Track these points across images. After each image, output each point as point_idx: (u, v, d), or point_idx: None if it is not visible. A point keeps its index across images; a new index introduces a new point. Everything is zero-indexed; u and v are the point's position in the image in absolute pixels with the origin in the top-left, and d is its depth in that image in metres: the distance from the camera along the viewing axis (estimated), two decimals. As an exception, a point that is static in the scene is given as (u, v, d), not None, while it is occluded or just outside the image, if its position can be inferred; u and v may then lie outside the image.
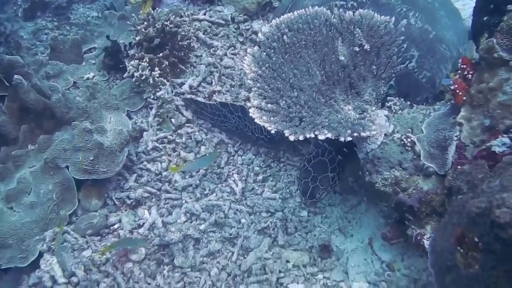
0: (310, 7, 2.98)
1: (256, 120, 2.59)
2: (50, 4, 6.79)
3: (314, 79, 2.91)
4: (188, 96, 4.32)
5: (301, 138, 2.52)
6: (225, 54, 4.68)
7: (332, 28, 3.02)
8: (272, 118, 2.60)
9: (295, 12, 3.00)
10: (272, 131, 2.56)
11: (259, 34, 2.92)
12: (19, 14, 6.75)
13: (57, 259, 3.47)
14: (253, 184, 3.95)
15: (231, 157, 4.15)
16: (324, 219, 3.71)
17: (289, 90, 2.78)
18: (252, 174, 4.02)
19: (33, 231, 3.59)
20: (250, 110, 2.64)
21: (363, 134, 2.59)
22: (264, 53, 2.88)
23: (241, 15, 4.90)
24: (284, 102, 2.70)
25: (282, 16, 3.00)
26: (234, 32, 4.86)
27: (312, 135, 2.53)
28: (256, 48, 2.89)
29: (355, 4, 3.37)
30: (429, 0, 3.56)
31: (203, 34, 4.79)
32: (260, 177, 3.96)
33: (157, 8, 4.57)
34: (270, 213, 3.73)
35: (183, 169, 3.67)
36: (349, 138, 2.57)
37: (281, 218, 3.68)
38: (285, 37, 2.92)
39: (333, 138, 2.56)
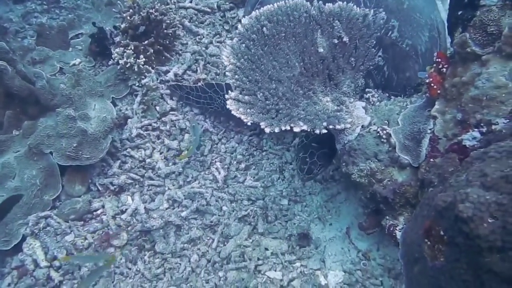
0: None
1: (233, 112, 2.63)
2: (40, -14, 6.73)
3: (293, 71, 2.95)
4: (173, 82, 4.35)
5: (276, 130, 2.56)
6: (211, 42, 4.70)
7: (312, 20, 3.06)
8: (248, 110, 2.64)
9: (275, 4, 3.03)
10: (248, 123, 2.60)
11: (239, 26, 2.95)
12: None
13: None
14: (236, 172, 4.01)
15: (215, 145, 4.20)
16: (304, 207, 3.78)
17: (268, 82, 2.82)
18: (234, 162, 4.08)
19: (16, 215, 3.64)
20: (228, 102, 2.68)
21: (338, 126, 2.65)
22: (243, 45, 2.91)
23: (227, 3, 4.92)
24: (261, 94, 2.74)
25: (262, 8, 3.02)
26: (220, 20, 4.88)
27: (288, 128, 2.58)
28: (235, 39, 2.92)
29: None
30: None
31: (189, 22, 4.81)
32: (242, 165, 4.03)
33: (140, -3, 4.58)
34: (251, 201, 3.81)
35: (189, 154, 3.87)
36: (324, 131, 2.63)
37: (261, 206, 3.75)
38: (264, 29, 2.95)
39: (308, 130, 2.61)
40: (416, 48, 3.36)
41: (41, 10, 6.59)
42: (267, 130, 2.57)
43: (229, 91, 2.74)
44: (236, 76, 2.77)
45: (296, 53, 3.02)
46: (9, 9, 6.58)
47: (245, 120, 2.59)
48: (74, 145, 3.66)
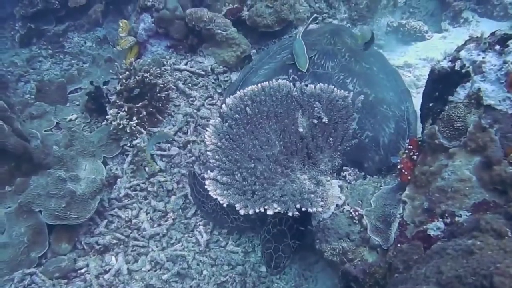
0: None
1: (210, 193, 2.76)
2: (46, 31, 6.94)
3: (273, 149, 3.10)
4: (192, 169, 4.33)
5: (251, 212, 2.69)
6: (203, 105, 4.89)
7: (293, 100, 3.23)
8: (225, 191, 2.78)
9: (259, 85, 3.21)
10: (224, 205, 2.73)
11: (223, 106, 3.11)
12: (16, 39, 6.92)
13: None
14: (218, 236, 4.10)
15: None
16: (282, 275, 3.86)
17: (247, 161, 2.96)
18: (218, 226, 4.17)
19: (2, 271, 3.73)
20: (206, 183, 2.82)
21: (310, 210, 2.77)
22: (226, 124, 3.07)
23: (220, 66, 5.13)
24: (239, 174, 2.87)
25: (246, 88, 3.20)
26: (213, 83, 5.09)
27: (262, 210, 2.70)
28: (218, 119, 3.09)
29: (296, 77, 3.62)
30: (367, 66, 3.82)
31: (183, 84, 5.00)
32: (225, 230, 4.12)
33: (139, 60, 4.78)
34: (232, 266, 3.89)
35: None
36: (297, 213, 2.75)
37: (241, 272, 3.83)
38: (247, 108, 3.12)
39: (282, 212, 2.74)
40: (378, 140, 3.47)
41: (46, 54, 6.83)
42: (242, 212, 2.69)
43: (209, 172, 2.88)
44: (216, 156, 2.92)
45: (277, 132, 3.18)
46: (14, 53, 6.82)
47: (221, 202, 2.72)
48: (63, 205, 3.79)
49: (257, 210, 2.70)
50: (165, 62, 5.17)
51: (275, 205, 2.74)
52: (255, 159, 3.00)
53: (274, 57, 4.12)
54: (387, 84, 3.83)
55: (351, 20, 5.57)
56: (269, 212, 2.71)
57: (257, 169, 2.94)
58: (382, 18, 5.64)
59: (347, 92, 3.22)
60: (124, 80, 4.48)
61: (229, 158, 2.95)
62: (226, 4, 5.33)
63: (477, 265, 1.94)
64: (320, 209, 2.84)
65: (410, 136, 3.60)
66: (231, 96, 3.18)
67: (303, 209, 2.78)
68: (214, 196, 2.75)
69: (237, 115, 3.09)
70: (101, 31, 7.08)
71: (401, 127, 3.65)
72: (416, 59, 5.00)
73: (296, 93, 3.23)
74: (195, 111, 4.79)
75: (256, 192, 2.82)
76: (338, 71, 3.64)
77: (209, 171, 2.88)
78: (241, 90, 3.20)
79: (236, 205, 2.72)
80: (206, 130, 3.04)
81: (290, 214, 2.73)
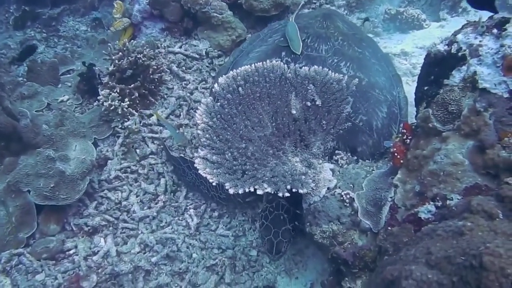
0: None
1: (200, 171, 2.72)
2: (41, 14, 6.88)
3: (265, 131, 3.06)
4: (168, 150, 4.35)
5: (240, 191, 2.65)
6: (196, 88, 4.84)
7: (287, 82, 3.19)
8: (215, 170, 2.74)
9: (253, 65, 3.16)
10: (214, 183, 2.70)
11: (215, 85, 3.07)
12: (10, 22, 6.86)
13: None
14: (209, 220, 4.08)
15: (190, 192, 4.28)
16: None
17: (238, 141, 2.92)
18: (209, 209, 4.14)
19: (-10, 251, 3.70)
20: (196, 161, 2.78)
21: (300, 191, 2.74)
22: (218, 104, 3.03)
23: (215, 50, 5.08)
24: (230, 154, 2.84)
25: (239, 68, 3.15)
26: (207, 66, 5.04)
27: (252, 189, 2.67)
28: (210, 98, 3.04)
29: (289, 60, 3.58)
30: (359, 50, 3.80)
31: (177, 67, 4.95)
32: (216, 213, 4.09)
33: (132, 41, 4.72)
34: (222, 250, 3.87)
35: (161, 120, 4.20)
36: (287, 194, 2.71)
37: (231, 256, 3.81)
38: (240, 88, 3.07)
39: (272, 192, 2.70)
40: (371, 124, 3.46)
41: (40, 38, 6.76)
42: (231, 191, 2.66)
43: (199, 150, 2.84)
44: (207, 135, 2.88)
45: (269, 113, 3.13)
46: (8, 35, 6.74)
47: (211, 180, 2.68)
48: (52, 185, 3.74)
49: (247, 190, 2.66)
50: (159, 45, 5.11)
51: (265, 185, 2.70)
52: (246, 140, 2.96)
53: (265, 40, 4.07)
54: (379, 69, 3.81)
55: (349, 7, 5.54)
56: (259, 192, 2.67)
57: (248, 150, 2.90)
58: (380, 5, 5.61)
59: (341, 75, 3.19)
60: (116, 61, 4.42)
61: (220, 138, 2.91)
62: (223, -13, 5.27)
63: (466, 245, 1.91)
64: (311, 191, 2.81)
65: (400, 121, 3.60)
66: (223, 76, 3.13)
67: (294, 190, 2.74)
68: (204, 175, 2.71)
69: (229, 95, 3.05)
70: (96, 15, 7.03)
71: (393, 112, 3.64)
72: (413, 47, 4.97)
73: (290, 74, 3.18)
74: (188, 94, 4.74)
75: (246, 172, 2.79)
76: (331, 54, 3.63)
77: (199, 150, 2.84)
78: (234, 70, 3.15)
79: (226, 184, 2.68)
80: (198, 109, 2.99)
81: (280, 194, 2.70)
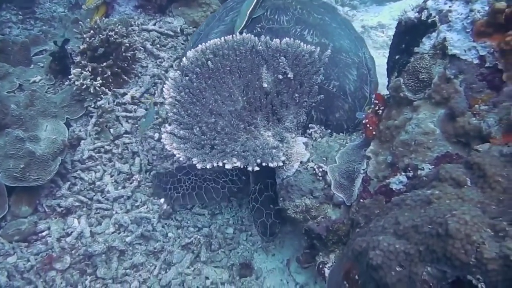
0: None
1: (166, 147, 2.66)
2: (16, -4, 6.73)
3: (235, 105, 3.00)
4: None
5: (208, 166, 2.60)
6: (171, 66, 4.74)
7: (258, 55, 3.12)
8: (182, 145, 2.68)
9: (222, 38, 3.09)
10: (180, 158, 2.63)
11: (183, 59, 2.99)
12: None
13: None
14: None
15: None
16: (249, 237, 3.80)
17: (207, 115, 2.86)
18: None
19: (-40, 234, 3.62)
20: (163, 136, 2.71)
21: (271, 164, 2.69)
22: (186, 78, 2.95)
23: (190, 27, 4.98)
24: (198, 128, 2.77)
25: (208, 42, 3.07)
26: (182, 44, 4.93)
27: (220, 164, 2.61)
28: (177, 72, 2.97)
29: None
30: (319, 16, 3.77)
31: (151, 44, 4.84)
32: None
33: (104, 18, 4.61)
34: (198, 228, 3.82)
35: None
36: (257, 168, 2.66)
37: (206, 234, 3.77)
38: (209, 62, 3.00)
39: (241, 167, 2.65)
40: (344, 88, 3.44)
41: (15, 20, 6.60)
42: (199, 166, 2.60)
43: (166, 125, 2.77)
44: (175, 110, 2.81)
45: (240, 87, 3.07)
46: (-18, 18, 6.58)
47: (177, 155, 2.62)
48: (22, 166, 3.65)
49: (215, 164, 2.61)
50: (132, 23, 4.99)
51: (234, 160, 2.65)
52: (216, 114, 2.90)
53: (222, 19, 4.00)
54: (341, 32, 3.79)
55: (326, -19, 5.44)
56: (228, 166, 2.62)
57: (218, 124, 2.84)
58: (356, -23, 5.53)
59: (313, 47, 3.12)
60: (88, 39, 4.30)
61: (188, 113, 2.84)
62: (197, -38, 5.16)
63: (434, 213, 1.88)
64: (281, 164, 2.76)
65: (371, 81, 3.57)
66: (192, 49, 3.05)
67: (264, 164, 2.69)
68: (170, 150, 2.65)
69: (198, 69, 2.98)
70: (72, -5, 6.88)
71: (363, 73, 3.64)
72: (390, 20, 4.92)
73: (261, 47, 3.11)
74: (163, 72, 4.64)
75: (215, 147, 2.73)
76: (293, 24, 3.58)
77: (166, 125, 2.77)
78: (203, 43, 3.07)
79: (193, 159, 2.62)
80: (165, 84, 2.91)
81: (250, 168, 2.64)
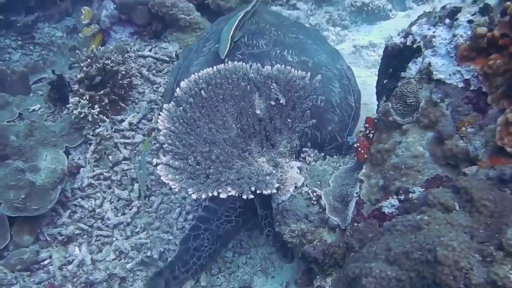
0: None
1: (162, 178, 2.71)
2: (16, 22, 6.82)
3: (229, 133, 3.05)
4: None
5: (203, 196, 2.65)
6: (168, 91, 4.81)
7: (250, 82, 3.17)
8: (177, 176, 2.73)
9: (215, 67, 3.14)
10: (176, 190, 2.68)
11: (177, 90, 3.05)
12: None
13: None
14: (184, 223, 4.06)
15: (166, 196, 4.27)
16: (248, 259, 3.84)
17: (202, 144, 2.91)
18: (184, 212, 4.13)
19: (-37, 264, 3.67)
20: (158, 168, 2.76)
21: (264, 192, 2.74)
22: (180, 108, 3.01)
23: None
24: (193, 158, 2.82)
25: (201, 71, 3.13)
26: (178, 69, 5.01)
27: (215, 193, 2.66)
28: (171, 103, 3.03)
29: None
30: (294, 35, 3.81)
31: (147, 70, 4.93)
32: (190, 216, 4.08)
33: (100, 47, 4.69)
34: (198, 253, 3.86)
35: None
36: (251, 196, 2.71)
37: (206, 258, 3.80)
38: (203, 91, 3.06)
39: (236, 195, 2.70)
40: (331, 101, 3.48)
41: (15, 46, 6.70)
42: (194, 196, 2.65)
43: (161, 156, 2.83)
44: (169, 141, 2.86)
45: (234, 115, 3.12)
46: (-18, 45, 6.68)
47: (173, 187, 2.67)
48: (22, 196, 3.72)
49: (210, 194, 2.66)
50: (129, 49, 5.09)
51: (229, 189, 2.69)
52: (210, 143, 2.95)
53: (200, 51, 3.97)
54: (317, 48, 3.83)
55: (316, 1, 5.54)
56: (223, 196, 2.67)
57: (212, 153, 2.89)
58: (346, -3, 5.63)
59: (304, 72, 3.18)
60: (85, 68, 4.39)
61: (183, 142, 2.89)
62: (190, -12, 5.26)
63: (423, 240, 1.93)
64: (275, 191, 2.81)
65: (353, 91, 3.70)
66: (185, 80, 3.11)
67: (258, 192, 2.74)
68: (166, 181, 2.69)
69: (191, 99, 3.03)
70: (70, 20, 7.00)
71: (344, 84, 3.69)
72: (380, 38, 5.00)
73: (252, 74, 3.17)
74: (159, 97, 4.72)
75: (210, 176, 2.78)
76: (272, 46, 3.61)
77: (161, 156, 2.83)
78: (196, 73, 3.13)
79: (189, 190, 2.67)
80: (159, 115, 2.97)
81: (244, 197, 2.69)
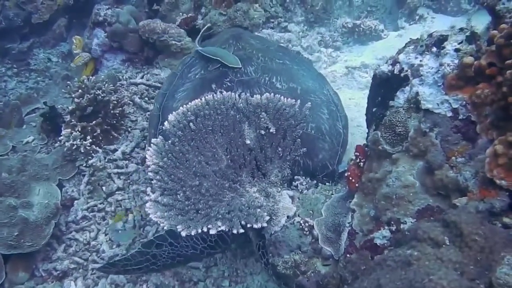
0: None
1: (151, 216, 2.68)
2: (11, 50, 6.85)
3: (219, 164, 3.03)
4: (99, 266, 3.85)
5: (193, 233, 2.62)
6: (160, 118, 4.80)
7: (239, 112, 3.16)
8: (166, 213, 2.70)
9: (203, 99, 3.13)
10: (165, 227, 2.66)
11: (165, 123, 3.03)
12: None
13: None
14: (179, 253, 4.02)
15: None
16: (245, 288, 3.81)
17: (192, 178, 2.88)
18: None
19: (-41, 305, 3.64)
20: (147, 205, 2.74)
21: (255, 225, 2.71)
22: (169, 142, 2.99)
23: (177, 78, 5.05)
24: (182, 193, 2.80)
25: (190, 103, 3.12)
26: (170, 95, 5.00)
27: (205, 229, 2.63)
28: (160, 138, 3.01)
29: (222, 90, 3.38)
30: (280, 61, 3.81)
31: (140, 98, 4.92)
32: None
33: (91, 77, 4.69)
34: (193, 283, 3.82)
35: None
36: (242, 231, 2.68)
37: (202, 289, 3.77)
38: (191, 124, 3.04)
39: (226, 230, 2.67)
40: (321, 128, 3.47)
41: (11, 73, 6.72)
42: (183, 233, 2.62)
43: (150, 193, 2.80)
44: (158, 177, 2.84)
45: (223, 146, 3.10)
46: (-21, 74, 6.69)
47: (161, 225, 2.64)
48: (16, 233, 3.69)
49: (199, 230, 2.63)
50: (120, 77, 5.10)
51: (219, 223, 2.66)
52: (200, 176, 2.92)
53: (185, 77, 3.96)
54: (304, 73, 3.82)
55: (308, 23, 5.54)
56: (212, 232, 2.63)
57: (202, 186, 2.86)
58: (338, 18, 5.62)
59: (293, 100, 3.16)
60: (76, 99, 4.38)
61: (172, 178, 2.86)
62: (181, 14, 5.27)
63: (413, 276, 1.89)
64: (265, 225, 2.77)
65: (340, 117, 3.67)
66: (174, 112, 3.09)
67: (249, 226, 2.71)
68: (155, 219, 2.67)
69: (180, 132, 3.01)
70: (65, 46, 7.02)
71: (332, 110, 3.67)
72: (373, 59, 4.99)
73: (241, 104, 3.15)
74: (151, 125, 4.70)
75: (199, 211, 2.75)
76: (261, 73, 3.61)
77: (150, 192, 2.80)
78: (184, 106, 3.11)
79: (178, 227, 2.64)
80: (147, 150, 2.95)
81: (235, 231, 2.66)
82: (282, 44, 4.97)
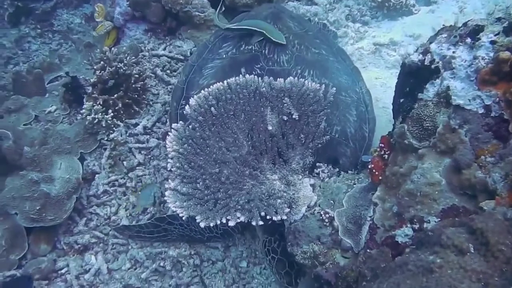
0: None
1: (170, 205, 2.66)
2: (35, 9, 6.80)
3: (240, 150, 2.97)
4: (118, 225, 4.12)
5: (212, 224, 2.59)
6: (182, 92, 4.74)
7: (262, 97, 3.08)
8: (185, 203, 2.67)
9: (225, 82, 3.05)
10: (184, 217, 2.63)
11: (186, 107, 2.97)
12: (5, 18, 6.75)
13: None
14: (199, 231, 4.04)
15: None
16: (263, 270, 3.81)
17: (212, 165, 2.84)
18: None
19: (-18, 274, 3.72)
20: (166, 193, 2.71)
21: (274, 218, 2.67)
22: (190, 127, 2.94)
23: (200, 50, 4.96)
24: (201, 182, 2.76)
25: (211, 87, 3.04)
26: (193, 68, 4.92)
27: (224, 221, 2.60)
28: (180, 123, 2.95)
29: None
30: (316, 51, 3.58)
31: (161, 70, 4.85)
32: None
33: (113, 48, 4.62)
34: (212, 262, 3.84)
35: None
36: (261, 223, 2.65)
37: (220, 268, 3.78)
38: (213, 108, 2.98)
39: (245, 222, 2.64)
40: (346, 132, 3.33)
41: (34, 34, 6.70)
42: (202, 224, 2.59)
43: (169, 181, 2.77)
44: (178, 164, 2.79)
45: (245, 131, 3.04)
46: (2, 34, 6.67)
47: (181, 215, 2.62)
48: (38, 207, 3.73)
49: (218, 222, 2.60)
50: (143, 48, 5.01)
51: (238, 215, 2.63)
52: (220, 163, 2.88)
53: (215, 51, 3.74)
54: (338, 67, 3.61)
55: (335, -4, 5.36)
56: (231, 223, 2.61)
57: (222, 174, 2.82)
58: (366, -9, 5.41)
59: (318, 85, 3.07)
60: (98, 72, 4.34)
61: (192, 165, 2.82)
62: (205, -17, 5.13)
63: (435, 285, 1.85)
64: (285, 217, 2.74)
65: (368, 119, 3.51)
66: (195, 96, 3.02)
67: (268, 217, 2.68)
68: (174, 209, 2.65)
69: (201, 117, 2.95)
70: (88, 7, 6.95)
71: (361, 112, 3.51)
72: (402, 36, 4.79)
73: (264, 89, 3.07)
74: (174, 99, 4.65)
75: (218, 201, 2.71)
76: (294, 64, 3.43)
77: (169, 180, 2.77)
78: (206, 89, 3.04)
79: (197, 218, 2.62)
80: (168, 135, 2.91)
81: (254, 223, 2.63)
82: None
